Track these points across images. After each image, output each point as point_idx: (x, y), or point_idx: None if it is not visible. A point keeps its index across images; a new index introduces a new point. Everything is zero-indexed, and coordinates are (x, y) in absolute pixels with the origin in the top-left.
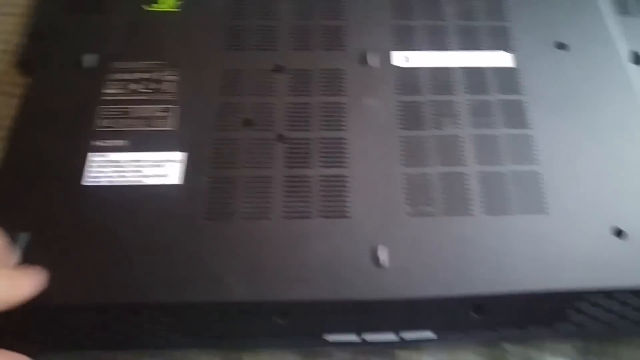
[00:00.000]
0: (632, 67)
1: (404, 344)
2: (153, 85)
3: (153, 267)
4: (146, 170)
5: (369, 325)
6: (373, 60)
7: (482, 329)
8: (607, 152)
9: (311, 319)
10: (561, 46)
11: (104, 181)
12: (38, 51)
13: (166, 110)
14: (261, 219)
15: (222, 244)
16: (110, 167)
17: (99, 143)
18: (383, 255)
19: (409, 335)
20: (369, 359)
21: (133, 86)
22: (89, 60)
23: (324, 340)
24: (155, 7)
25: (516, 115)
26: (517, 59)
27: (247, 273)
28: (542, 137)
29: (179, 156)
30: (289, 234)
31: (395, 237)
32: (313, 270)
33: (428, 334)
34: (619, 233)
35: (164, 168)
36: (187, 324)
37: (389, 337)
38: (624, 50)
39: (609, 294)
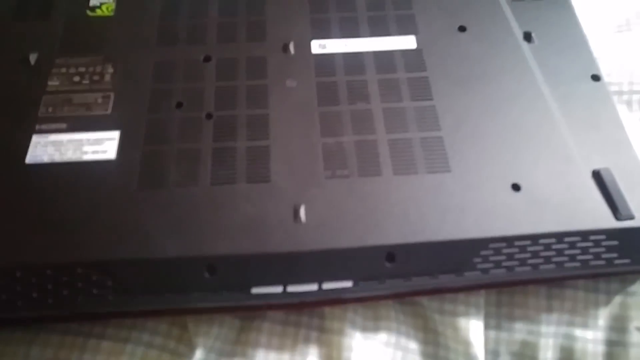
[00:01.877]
0: (526, 45)
1: (324, 294)
2: (93, 77)
3: (86, 229)
4: (86, 148)
5: (292, 277)
6: (293, 48)
7: (396, 278)
8: (505, 119)
9: (238, 273)
10: (462, 29)
11: (45, 159)
12: None
13: (104, 97)
14: (189, 186)
15: (153, 208)
16: (51, 147)
17: (43, 127)
18: (301, 212)
19: (328, 285)
20: (300, 318)
21: (75, 78)
22: (34, 57)
23: (252, 294)
24: (98, 13)
25: (421, 90)
26: (422, 42)
27: (175, 232)
28: (444, 108)
29: (115, 135)
30: (215, 197)
31: (314, 196)
32: (237, 227)
33: (347, 284)
34: (515, 187)
35: (103, 145)
36: (120, 282)
37: (311, 287)
38: (518, 31)
39: (509, 241)
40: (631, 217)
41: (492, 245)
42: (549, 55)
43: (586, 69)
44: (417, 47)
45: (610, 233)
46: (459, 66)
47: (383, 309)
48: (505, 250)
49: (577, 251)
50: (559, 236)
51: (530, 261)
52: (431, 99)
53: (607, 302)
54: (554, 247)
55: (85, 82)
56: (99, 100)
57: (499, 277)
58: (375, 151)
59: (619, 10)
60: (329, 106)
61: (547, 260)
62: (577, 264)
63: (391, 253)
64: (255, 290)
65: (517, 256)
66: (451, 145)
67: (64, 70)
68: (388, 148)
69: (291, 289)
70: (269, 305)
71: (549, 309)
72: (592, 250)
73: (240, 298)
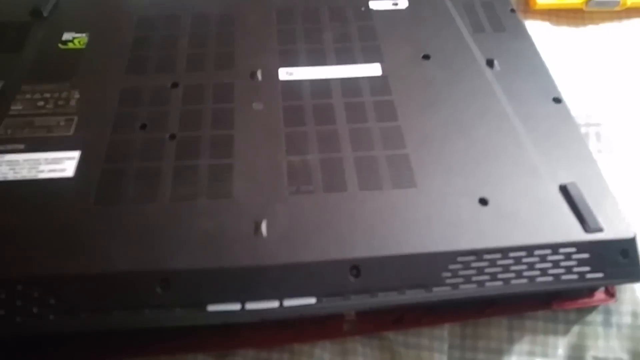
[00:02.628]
0: (489, 71)
1: (286, 312)
2: (58, 102)
3: (32, 244)
4: (42, 167)
5: (251, 293)
6: (261, 75)
7: (362, 294)
8: (470, 137)
9: (193, 289)
10: (426, 57)
11: None
12: None
13: (67, 120)
14: (147, 202)
15: (107, 223)
16: (6, 166)
17: None
18: (263, 226)
19: (290, 302)
20: (271, 354)
21: (40, 103)
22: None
23: (208, 312)
24: (70, 46)
25: (386, 112)
26: (387, 69)
27: (128, 246)
28: (410, 128)
29: (75, 154)
30: (173, 213)
31: (276, 211)
32: (194, 241)
33: (310, 301)
34: (483, 201)
35: (61, 165)
36: (64, 299)
37: (271, 304)
38: (480, 58)
39: (478, 254)
40: (600, 230)
41: (460, 259)
42: (511, 80)
43: (547, 92)
44: (382, 74)
45: (579, 245)
46: (423, 90)
47: (350, 344)
48: (474, 264)
49: (549, 265)
50: (529, 249)
51: (501, 275)
52: (396, 120)
53: (566, 332)
54: (524, 260)
55: (49, 106)
56: (62, 123)
57: (469, 293)
58: (341, 168)
59: (578, 44)
60: (295, 127)
61: (519, 274)
62: (549, 279)
63: (356, 267)
64: (212, 307)
65: (487, 270)
66: (417, 162)
67: (28, 96)
68: (354, 165)
69: (250, 306)
70: (239, 339)
71: (510, 340)
72: (563, 263)
73: (196, 316)
